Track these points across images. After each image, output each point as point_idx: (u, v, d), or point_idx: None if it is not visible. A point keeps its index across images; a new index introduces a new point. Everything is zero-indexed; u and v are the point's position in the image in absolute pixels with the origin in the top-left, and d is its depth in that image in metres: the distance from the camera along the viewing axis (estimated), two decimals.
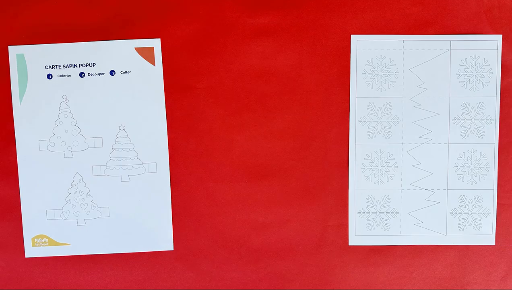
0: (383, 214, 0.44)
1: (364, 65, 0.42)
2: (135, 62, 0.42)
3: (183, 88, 0.43)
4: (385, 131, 0.43)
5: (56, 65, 0.42)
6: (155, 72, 0.42)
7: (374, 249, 0.44)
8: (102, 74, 0.42)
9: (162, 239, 0.43)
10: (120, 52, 0.42)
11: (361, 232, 0.44)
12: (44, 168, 0.43)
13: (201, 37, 0.42)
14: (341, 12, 0.42)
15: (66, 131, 0.42)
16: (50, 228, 0.43)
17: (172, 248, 0.44)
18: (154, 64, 0.42)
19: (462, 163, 0.43)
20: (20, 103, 0.42)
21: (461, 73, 0.42)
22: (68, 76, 0.42)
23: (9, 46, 0.41)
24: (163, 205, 0.43)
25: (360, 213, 0.44)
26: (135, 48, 0.42)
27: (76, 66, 0.42)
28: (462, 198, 0.44)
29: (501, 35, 0.42)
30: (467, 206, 0.44)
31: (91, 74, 0.42)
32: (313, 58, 0.43)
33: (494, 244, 0.44)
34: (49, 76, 0.42)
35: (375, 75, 0.43)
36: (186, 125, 0.43)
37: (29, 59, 0.41)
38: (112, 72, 0.42)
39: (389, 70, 0.42)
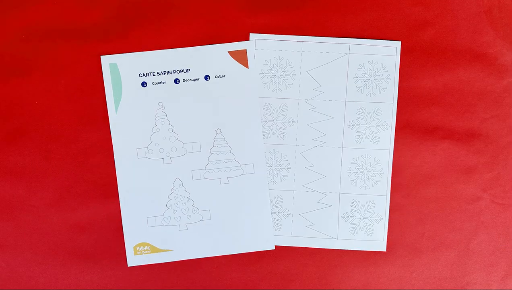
0: (275, 214, 0.44)
1: (262, 65, 0.42)
2: (229, 66, 0.42)
3: None
4: (280, 132, 0.43)
5: (150, 73, 0.42)
6: (249, 75, 0.42)
7: None
8: (197, 79, 0.42)
9: (264, 239, 0.44)
10: (214, 56, 0.42)
11: None
12: (143, 175, 0.43)
13: (201, 37, 0.42)
14: (341, 12, 0.42)
15: (164, 137, 0.42)
16: (151, 235, 0.43)
17: (273, 248, 0.44)
18: (247, 67, 0.42)
19: (356, 167, 0.43)
20: (116, 112, 0.42)
21: (358, 78, 0.42)
22: (163, 83, 0.42)
23: (101, 56, 0.41)
24: (262, 205, 0.43)
25: None
26: (228, 51, 0.42)
27: (171, 73, 0.42)
28: (354, 203, 0.44)
29: (400, 42, 0.42)
30: (359, 211, 0.44)
31: (186, 80, 0.42)
32: None
33: (385, 250, 0.44)
34: (144, 84, 0.42)
35: (272, 76, 0.42)
36: None
37: (122, 68, 0.42)
38: (206, 77, 0.42)
39: (286, 71, 0.42)
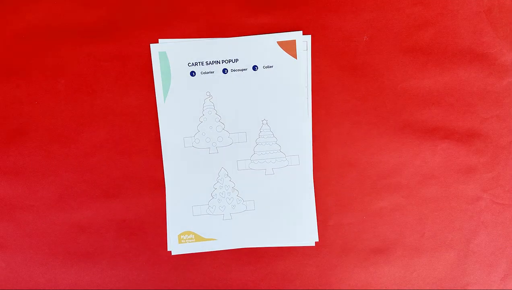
0: None
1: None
2: (277, 56, 0.42)
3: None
4: None
5: (199, 62, 0.42)
6: (297, 65, 0.42)
7: (374, 249, 0.44)
8: (245, 69, 0.42)
9: (307, 230, 0.44)
10: (263, 47, 0.42)
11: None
12: (189, 164, 0.43)
13: (200, 37, 0.42)
14: (341, 12, 0.42)
15: (211, 127, 0.43)
16: (196, 224, 0.44)
17: (317, 239, 0.44)
18: (296, 58, 0.42)
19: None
20: (165, 101, 0.42)
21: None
22: (211, 72, 0.42)
23: (151, 44, 0.41)
24: (307, 197, 0.43)
25: None
26: (277, 42, 0.41)
27: (219, 63, 0.42)
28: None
29: (310, 35, 0.42)
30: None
31: (234, 70, 0.42)
32: (313, 58, 0.43)
33: (314, 245, 0.44)
34: (193, 74, 0.42)
35: None
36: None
37: (171, 57, 0.42)
38: (254, 68, 0.42)
39: None
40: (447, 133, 0.43)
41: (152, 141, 0.43)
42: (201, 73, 0.42)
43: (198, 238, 0.44)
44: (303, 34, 0.41)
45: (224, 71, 0.42)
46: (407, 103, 0.43)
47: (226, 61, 0.42)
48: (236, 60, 0.42)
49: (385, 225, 0.44)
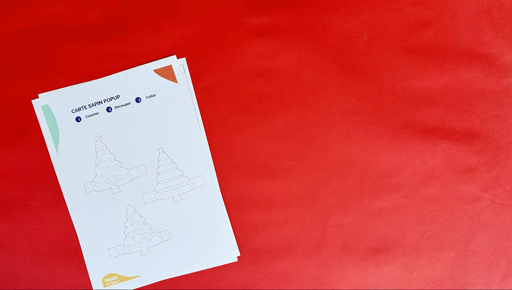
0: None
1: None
2: (157, 84, 0.42)
3: None
4: None
5: (82, 107, 0.42)
6: (180, 89, 0.42)
7: (374, 249, 0.44)
8: (128, 104, 0.42)
9: (227, 247, 0.44)
10: (140, 78, 0.42)
11: None
12: (95, 209, 0.43)
13: (200, 37, 0.42)
14: (341, 12, 0.42)
15: (108, 167, 0.42)
16: (116, 265, 0.43)
17: (238, 254, 0.44)
18: (176, 81, 0.42)
19: None
20: (57, 152, 0.42)
21: None
22: (96, 114, 0.42)
23: (32, 100, 0.42)
24: (219, 215, 0.43)
25: None
26: (153, 70, 0.42)
27: (102, 103, 0.42)
28: None
29: (184, 58, 0.42)
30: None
31: (117, 107, 0.42)
32: (313, 58, 0.43)
33: (237, 260, 0.44)
34: (78, 119, 0.42)
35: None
36: None
37: (54, 108, 0.42)
38: (137, 100, 0.42)
39: None
40: (447, 133, 0.43)
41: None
42: (86, 116, 0.42)
43: (122, 279, 0.43)
44: (177, 58, 0.42)
45: (108, 109, 0.42)
46: (407, 103, 0.43)
47: (108, 100, 0.42)
48: (118, 97, 0.42)
49: (385, 225, 0.44)
